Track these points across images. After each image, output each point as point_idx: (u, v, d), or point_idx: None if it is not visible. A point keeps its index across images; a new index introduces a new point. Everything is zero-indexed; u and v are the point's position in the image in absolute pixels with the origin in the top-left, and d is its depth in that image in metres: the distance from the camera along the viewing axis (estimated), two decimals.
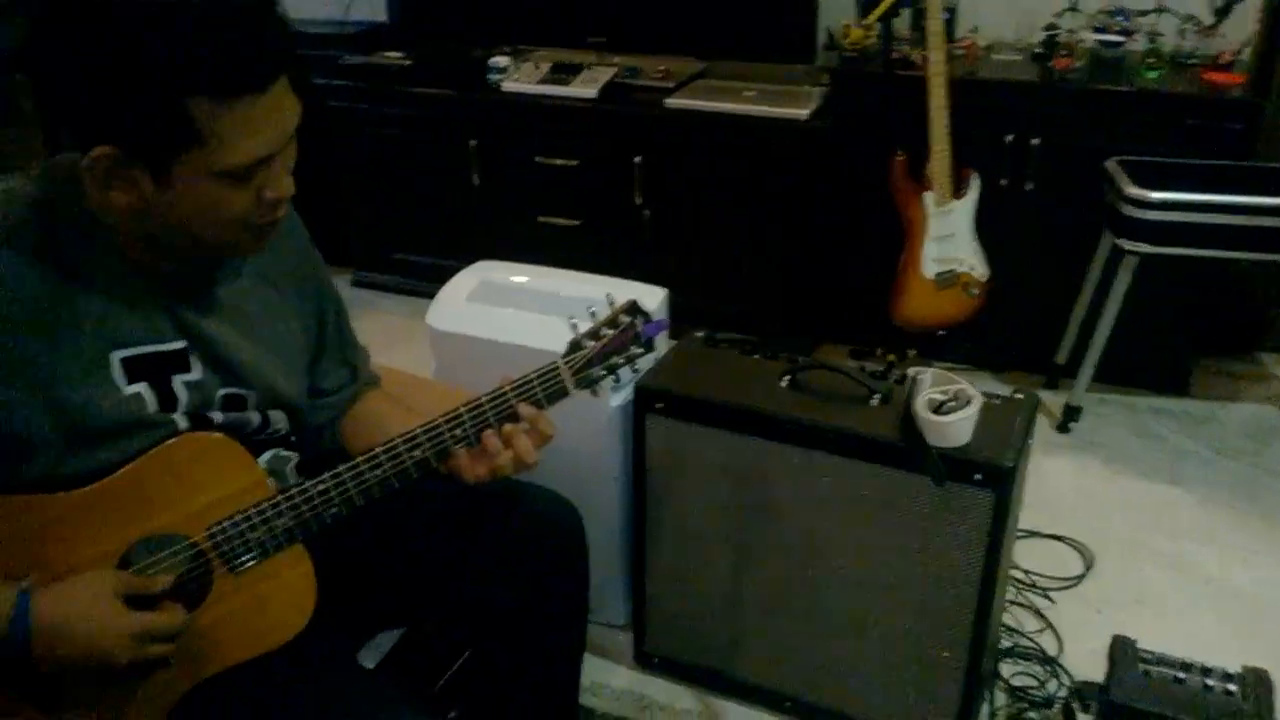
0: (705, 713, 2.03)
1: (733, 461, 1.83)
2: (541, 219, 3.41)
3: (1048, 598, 2.29)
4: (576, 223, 3.37)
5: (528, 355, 1.90)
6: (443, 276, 2.17)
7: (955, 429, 1.65)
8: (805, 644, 1.92)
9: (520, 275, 2.16)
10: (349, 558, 1.40)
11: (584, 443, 1.95)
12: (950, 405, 1.67)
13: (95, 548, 1.18)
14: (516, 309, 2.03)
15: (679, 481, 1.90)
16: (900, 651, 1.83)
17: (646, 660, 2.11)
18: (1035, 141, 2.87)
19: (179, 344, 1.25)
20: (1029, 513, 2.24)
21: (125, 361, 1.20)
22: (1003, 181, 2.93)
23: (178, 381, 1.25)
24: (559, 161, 3.32)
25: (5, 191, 1.18)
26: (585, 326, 1.36)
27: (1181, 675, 1.73)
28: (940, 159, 2.79)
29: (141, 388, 1.21)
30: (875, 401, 1.78)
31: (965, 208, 2.87)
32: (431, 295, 2.12)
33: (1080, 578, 2.37)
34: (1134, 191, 2.57)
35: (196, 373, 1.26)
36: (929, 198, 2.83)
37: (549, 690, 1.64)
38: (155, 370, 1.23)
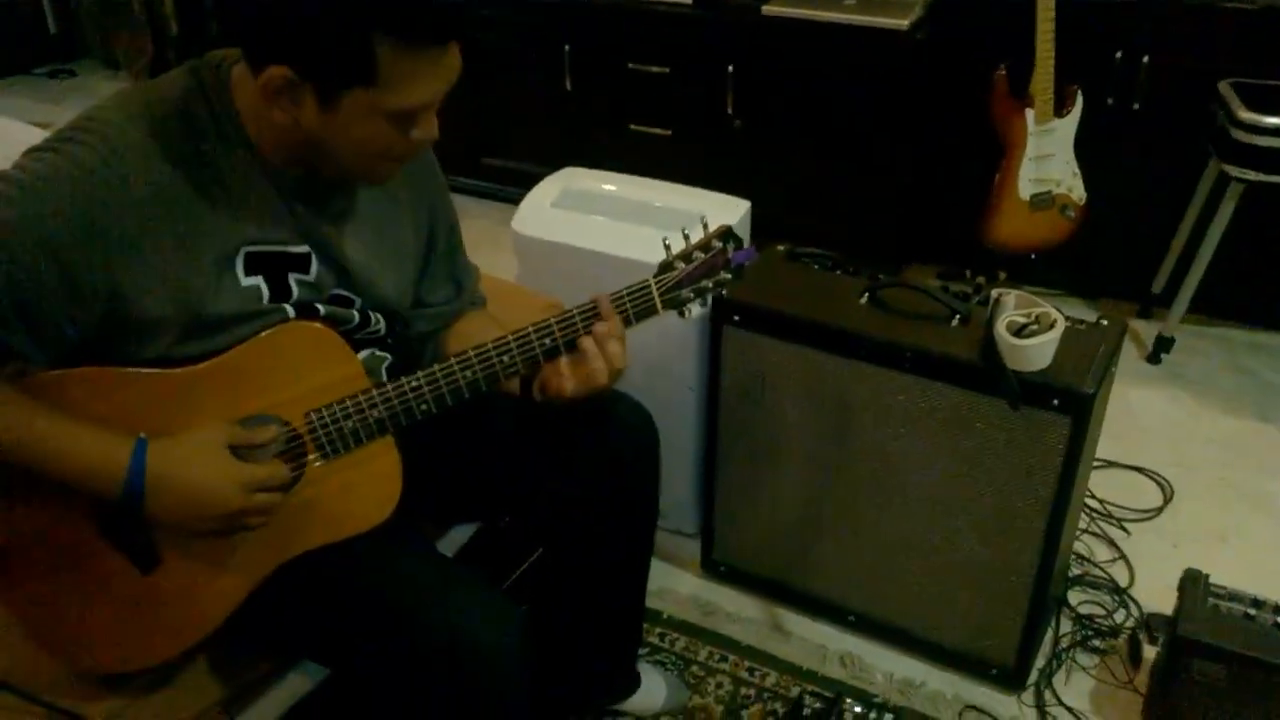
0: (769, 622, 2.07)
1: (808, 376, 1.84)
2: (632, 127, 3.38)
3: (1123, 529, 2.27)
4: (667, 132, 3.34)
5: (610, 262, 1.94)
6: (531, 183, 2.18)
7: (1035, 352, 1.63)
8: (871, 560, 1.94)
9: (605, 183, 2.16)
10: (433, 452, 1.45)
11: (661, 352, 1.97)
12: (1031, 329, 1.65)
13: (198, 423, 1.23)
14: (600, 216, 2.04)
15: (754, 394, 1.91)
16: (966, 572, 1.84)
17: (713, 568, 2.15)
18: (1146, 60, 2.75)
19: (303, 248, 1.30)
20: (1111, 442, 2.21)
21: (248, 256, 1.25)
22: (1109, 101, 2.82)
23: (293, 278, 1.29)
24: (652, 69, 3.28)
25: (156, 88, 1.23)
26: (678, 247, 1.38)
27: (1252, 612, 1.70)
28: (1044, 75, 2.70)
29: (258, 280, 1.26)
30: (955, 322, 1.77)
31: (1067, 127, 2.78)
32: (519, 201, 2.13)
33: (1158, 510, 2.33)
34: (1246, 115, 2.46)
35: (313, 274, 1.31)
36: (1030, 115, 2.75)
37: (616, 591, 1.69)
38: (274, 266, 1.28)
